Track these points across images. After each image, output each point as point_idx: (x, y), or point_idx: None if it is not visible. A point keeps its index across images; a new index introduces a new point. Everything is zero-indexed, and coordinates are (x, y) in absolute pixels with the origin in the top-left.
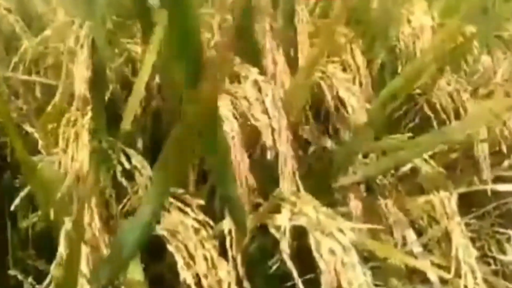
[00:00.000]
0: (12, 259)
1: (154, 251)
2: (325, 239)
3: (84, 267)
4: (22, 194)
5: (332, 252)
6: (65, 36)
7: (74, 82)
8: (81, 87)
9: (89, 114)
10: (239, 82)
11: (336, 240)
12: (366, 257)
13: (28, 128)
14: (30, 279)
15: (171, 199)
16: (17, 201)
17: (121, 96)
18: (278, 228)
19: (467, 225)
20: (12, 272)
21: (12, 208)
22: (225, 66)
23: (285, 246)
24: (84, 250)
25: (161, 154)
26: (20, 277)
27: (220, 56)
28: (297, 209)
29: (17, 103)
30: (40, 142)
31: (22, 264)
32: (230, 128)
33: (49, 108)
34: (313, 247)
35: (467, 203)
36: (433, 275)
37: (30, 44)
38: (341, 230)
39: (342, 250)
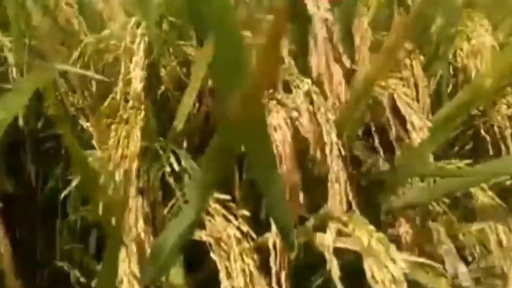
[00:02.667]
0: (60, 251)
1: (200, 257)
2: (377, 267)
3: (127, 266)
4: (72, 186)
5: (383, 282)
6: (122, 35)
7: (129, 80)
8: (136, 86)
9: (142, 113)
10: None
11: (388, 270)
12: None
13: (84, 123)
14: (76, 272)
15: (217, 205)
16: (65, 192)
17: (175, 97)
18: (325, 246)
19: None
20: (59, 263)
21: (61, 198)
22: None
23: (334, 266)
24: (129, 249)
25: (205, 156)
26: (67, 269)
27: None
28: (349, 230)
29: (74, 97)
30: (94, 137)
31: (69, 257)
32: (282, 137)
33: (105, 104)
34: (367, 273)
35: None
36: None
37: (89, 40)
38: (393, 260)
39: (393, 282)
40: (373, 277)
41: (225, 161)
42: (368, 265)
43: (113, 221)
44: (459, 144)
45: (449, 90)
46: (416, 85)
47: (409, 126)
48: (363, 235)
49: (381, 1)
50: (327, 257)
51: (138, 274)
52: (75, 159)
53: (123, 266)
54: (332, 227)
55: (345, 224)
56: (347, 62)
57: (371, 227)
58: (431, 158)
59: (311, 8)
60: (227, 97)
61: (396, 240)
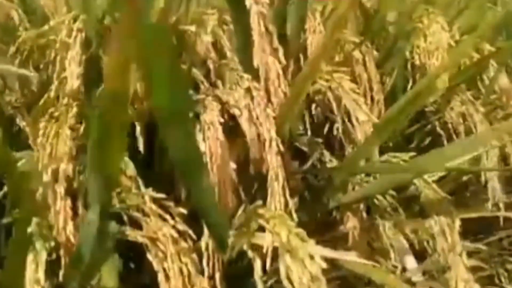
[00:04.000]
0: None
1: (137, 260)
2: (295, 265)
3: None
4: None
5: (300, 280)
6: (61, 29)
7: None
8: (71, 83)
9: (74, 110)
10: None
11: (305, 267)
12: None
13: (21, 122)
14: None
15: (152, 204)
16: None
17: None
18: (255, 247)
19: (475, 251)
20: None
21: None
22: None
23: (258, 268)
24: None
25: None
26: None
27: None
28: (270, 228)
29: (11, 96)
30: (30, 137)
31: None
32: (215, 135)
33: (41, 102)
34: (281, 272)
35: (476, 227)
36: None
37: (28, 35)
38: (311, 257)
39: (310, 279)
40: (288, 277)
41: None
42: (284, 263)
43: (33, 223)
44: (417, 140)
45: (408, 87)
46: (369, 80)
47: (354, 121)
48: (282, 231)
49: None
50: (249, 254)
51: (43, 281)
52: (2, 161)
53: (29, 272)
54: (252, 223)
55: (266, 221)
56: (282, 58)
57: (291, 223)
58: (376, 153)
59: (248, 3)
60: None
61: (344, 237)
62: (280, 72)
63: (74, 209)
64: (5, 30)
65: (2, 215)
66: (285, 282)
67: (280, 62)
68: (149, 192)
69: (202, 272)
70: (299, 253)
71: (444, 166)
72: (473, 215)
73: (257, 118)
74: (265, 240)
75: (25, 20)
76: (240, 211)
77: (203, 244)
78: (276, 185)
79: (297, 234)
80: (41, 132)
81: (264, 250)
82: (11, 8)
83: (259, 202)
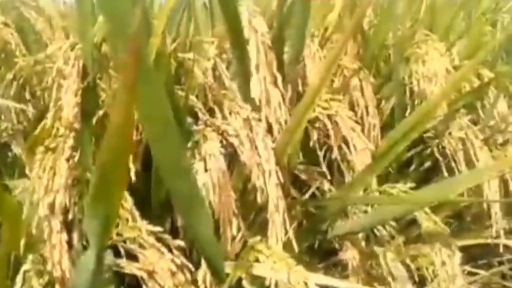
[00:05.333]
0: None
1: None
2: None
3: None
4: None
5: None
6: (58, 57)
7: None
8: (67, 112)
9: (71, 141)
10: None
11: None
12: None
13: (17, 150)
14: None
15: (149, 237)
16: None
17: None
18: (254, 279)
19: (476, 275)
20: None
21: None
22: None
23: None
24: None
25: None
26: None
27: None
28: (271, 265)
29: (7, 123)
30: (26, 166)
31: None
32: (217, 166)
33: (37, 130)
34: None
35: (477, 252)
36: None
37: (26, 62)
38: None
39: None
40: None
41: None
42: None
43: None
44: (415, 164)
45: (407, 112)
46: (366, 107)
47: (352, 149)
48: (282, 269)
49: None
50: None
51: None
52: None
53: None
54: (251, 255)
55: (266, 257)
56: (280, 86)
57: (291, 261)
58: (374, 182)
59: (247, 33)
60: None
61: (343, 265)
62: (281, 100)
63: (69, 241)
64: (2, 56)
65: None
66: None
67: (280, 91)
68: (146, 226)
69: None
70: None
71: (443, 198)
72: (474, 242)
73: (256, 148)
74: (264, 272)
75: (21, 45)
76: (239, 241)
77: (200, 276)
78: (277, 216)
79: (297, 271)
80: (37, 163)
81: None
82: (8, 33)
83: (258, 237)
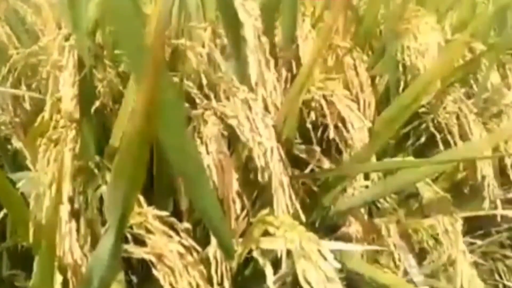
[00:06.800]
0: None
1: (143, 276)
2: (309, 267)
3: None
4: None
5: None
6: (52, 48)
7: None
8: (66, 104)
9: (73, 132)
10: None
11: (320, 269)
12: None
13: (17, 143)
14: None
15: (156, 222)
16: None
17: (113, 111)
18: (265, 253)
19: (474, 245)
20: None
21: None
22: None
23: (269, 273)
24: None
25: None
26: None
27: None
28: (280, 234)
29: (6, 116)
30: (28, 158)
31: (10, 284)
32: (218, 149)
33: (36, 123)
34: (299, 275)
35: (475, 223)
36: None
37: (20, 55)
38: (325, 258)
39: (325, 279)
40: (305, 279)
41: (135, 175)
42: (300, 267)
43: (43, 247)
44: (413, 139)
45: (401, 88)
46: (361, 84)
47: (349, 127)
48: (294, 237)
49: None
50: (259, 260)
51: None
52: None
53: None
54: (258, 230)
55: (277, 228)
56: (272, 68)
57: (301, 228)
58: (373, 158)
59: (242, 15)
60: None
61: (349, 239)
62: (276, 82)
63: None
64: None
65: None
66: (304, 285)
67: (274, 72)
68: (152, 211)
69: (210, 282)
70: (313, 256)
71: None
72: (472, 213)
73: (257, 128)
74: (274, 245)
75: (14, 38)
76: (244, 218)
77: (210, 253)
78: (281, 191)
79: (309, 238)
80: (40, 155)
81: (279, 255)
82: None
83: (265, 210)
